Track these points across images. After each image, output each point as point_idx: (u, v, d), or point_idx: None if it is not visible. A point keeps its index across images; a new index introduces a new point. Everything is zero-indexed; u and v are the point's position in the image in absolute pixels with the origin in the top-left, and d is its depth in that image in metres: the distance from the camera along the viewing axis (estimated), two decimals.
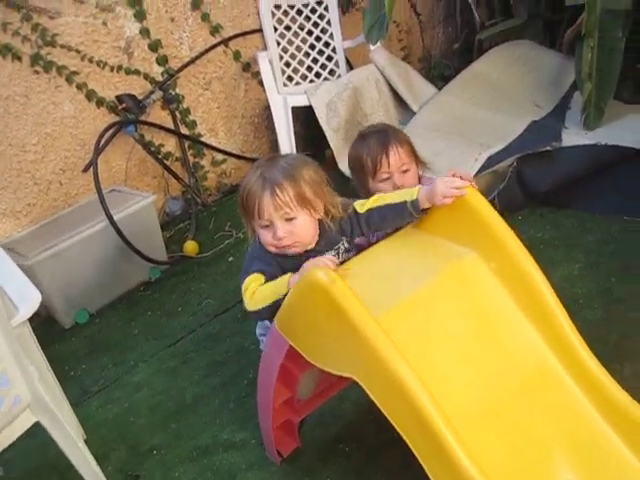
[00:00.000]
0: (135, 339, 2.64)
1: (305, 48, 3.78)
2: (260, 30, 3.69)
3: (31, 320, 1.67)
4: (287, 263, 1.57)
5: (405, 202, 1.56)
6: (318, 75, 3.81)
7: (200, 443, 2.03)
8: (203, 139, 3.61)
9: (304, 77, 3.78)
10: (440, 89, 3.63)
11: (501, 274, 1.45)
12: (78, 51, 3.02)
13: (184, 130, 3.52)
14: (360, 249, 1.65)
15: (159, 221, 3.13)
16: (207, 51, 3.51)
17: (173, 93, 3.41)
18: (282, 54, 3.72)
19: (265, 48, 3.71)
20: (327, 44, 3.82)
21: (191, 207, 3.47)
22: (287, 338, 1.49)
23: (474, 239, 1.48)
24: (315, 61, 3.81)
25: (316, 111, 3.42)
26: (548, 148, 2.75)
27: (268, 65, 3.61)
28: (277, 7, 3.67)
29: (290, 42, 3.73)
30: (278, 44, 3.70)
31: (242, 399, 2.15)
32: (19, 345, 1.57)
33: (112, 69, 3.17)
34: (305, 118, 3.75)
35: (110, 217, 2.76)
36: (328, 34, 3.80)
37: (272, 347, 1.59)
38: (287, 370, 1.60)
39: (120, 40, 3.17)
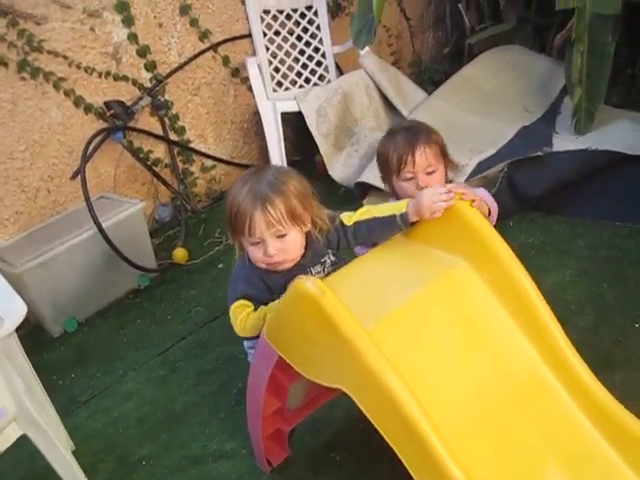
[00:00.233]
0: (124, 347, 2.62)
1: (294, 53, 3.77)
2: (249, 35, 3.67)
3: (19, 329, 1.64)
4: (273, 280, 1.56)
5: (394, 216, 1.55)
6: (308, 80, 3.80)
7: (190, 453, 2.00)
8: (192, 145, 3.59)
9: (293, 82, 3.77)
10: (430, 94, 3.62)
11: (493, 283, 1.44)
12: (65, 57, 2.99)
13: (173, 136, 3.50)
14: None
15: (148, 228, 3.11)
16: (196, 57, 3.49)
17: (162, 99, 3.39)
18: (271, 59, 3.70)
19: (254, 53, 3.69)
20: (317, 49, 3.81)
21: (180, 214, 3.45)
22: (276, 349, 1.47)
23: (465, 248, 1.47)
24: (304, 66, 3.79)
25: (306, 117, 3.41)
26: (539, 153, 2.74)
27: (257, 70, 3.60)
28: (266, 12, 3.66)
29: (279, 47, 3.72)
30: (267, 49, 3.68)
31: (232, 408, 2.13)
32: (5, 357, 1.55)
33: (100, 75, 3.14)
34: (295, 124, 3.73)
35: (99, 225, 2.73)
36: (317, 39, 3.80)
37: (261, 357, 1.58)
38: (276, 380, 1.59)
39: (108, 46, 3.15)
